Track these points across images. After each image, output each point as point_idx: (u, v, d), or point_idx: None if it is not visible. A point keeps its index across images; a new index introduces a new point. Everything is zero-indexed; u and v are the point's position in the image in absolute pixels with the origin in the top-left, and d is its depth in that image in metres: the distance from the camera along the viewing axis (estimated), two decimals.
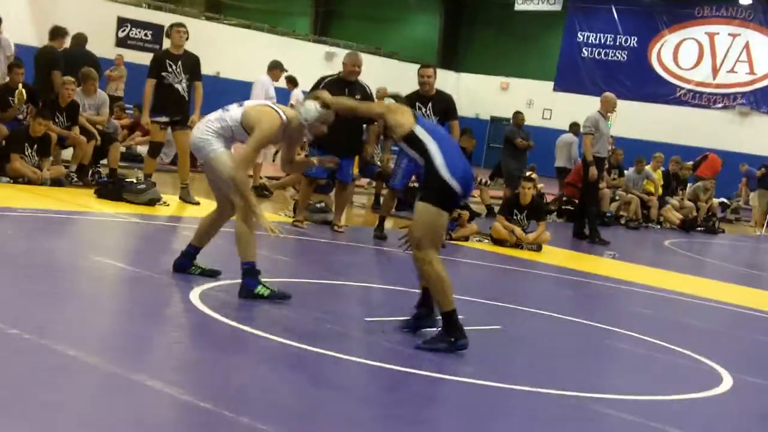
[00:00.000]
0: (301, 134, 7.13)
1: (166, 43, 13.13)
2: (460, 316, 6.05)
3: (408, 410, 4.91)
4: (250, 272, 6.86)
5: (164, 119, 12.20)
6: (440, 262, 6.13)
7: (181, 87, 12.13)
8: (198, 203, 11.94)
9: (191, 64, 12.26)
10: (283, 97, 17.32)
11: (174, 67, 12.07)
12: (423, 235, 6.15)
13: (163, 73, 12.04)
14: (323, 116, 6.84)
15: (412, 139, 6.23)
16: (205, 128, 6.98)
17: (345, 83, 11.36)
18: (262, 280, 6.85)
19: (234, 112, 6.99)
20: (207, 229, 7.33)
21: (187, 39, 12.26)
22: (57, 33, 13.98)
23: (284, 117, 6.92)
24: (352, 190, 12.64)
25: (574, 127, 19.90)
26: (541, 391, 5.52)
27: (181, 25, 12.41)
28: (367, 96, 11.44)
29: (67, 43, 14.28)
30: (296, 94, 17.94)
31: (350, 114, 7.31)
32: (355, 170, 15.36)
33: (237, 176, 6.84)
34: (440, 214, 6.16)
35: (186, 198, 12.09)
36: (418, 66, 12.02)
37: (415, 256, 6.20)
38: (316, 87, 11.43)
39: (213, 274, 7.35)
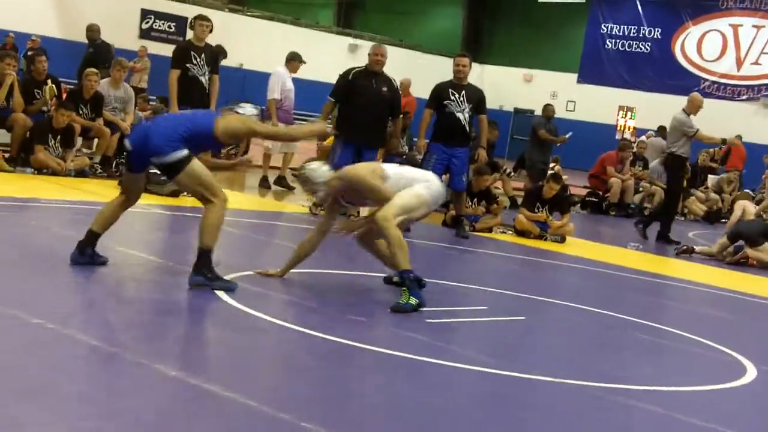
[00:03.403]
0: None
1: (189, 35, 13.13)
2: (483, 307, 6.02)
3: (428, 399, 4.90)
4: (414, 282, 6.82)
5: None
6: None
7: (204, 79, 12.17)
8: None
9: (212, 56, 12.32)
10: (303, 89, 17.22)
11: (198, 59, 12.11)
12: None
13: (188, 65, 12.08)
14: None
15: None
16: None
17: (372, 74, 11.49)
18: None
19: None
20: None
21: (210, 32, 12.30)
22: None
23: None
24: None
25: (662, 131, 19.91)
26: (564, 381, 5.50)
27: (206, 18, 12.41)
28: (392, 89, 11.61)
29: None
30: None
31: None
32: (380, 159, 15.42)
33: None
34: None
35: None
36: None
37: None
38: (343, 78, 11.52)
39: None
